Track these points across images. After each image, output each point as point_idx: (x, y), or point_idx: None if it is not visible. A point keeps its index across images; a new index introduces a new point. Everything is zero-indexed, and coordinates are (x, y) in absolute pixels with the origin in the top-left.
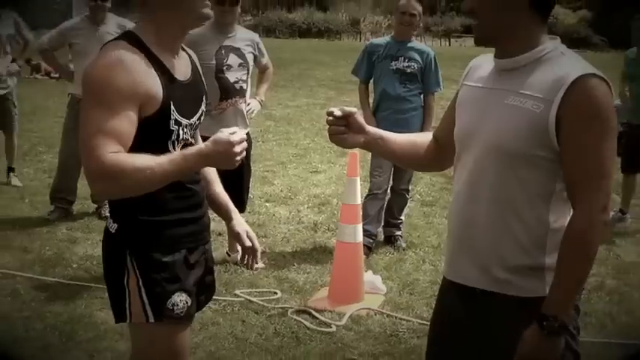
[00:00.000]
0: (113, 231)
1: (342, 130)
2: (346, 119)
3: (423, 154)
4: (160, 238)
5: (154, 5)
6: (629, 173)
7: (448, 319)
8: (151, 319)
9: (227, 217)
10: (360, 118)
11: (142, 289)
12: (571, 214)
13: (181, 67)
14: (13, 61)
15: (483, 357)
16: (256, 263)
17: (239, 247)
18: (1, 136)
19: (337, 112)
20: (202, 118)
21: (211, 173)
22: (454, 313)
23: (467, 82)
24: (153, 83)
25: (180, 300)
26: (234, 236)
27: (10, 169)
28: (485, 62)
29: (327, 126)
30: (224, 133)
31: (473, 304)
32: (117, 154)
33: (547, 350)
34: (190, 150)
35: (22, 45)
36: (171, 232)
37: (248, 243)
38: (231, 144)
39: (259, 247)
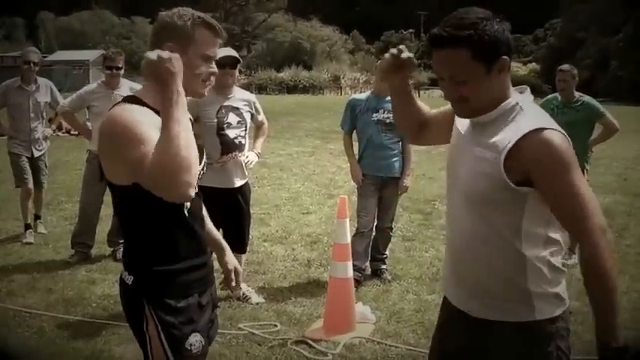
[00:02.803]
0: (130, 283)
1: (394, 66)
2: (403, 62)
3: (417, 123)
4: (174, 285)
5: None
6: None
7: (450, 345)
8: None
9: (220, 253)
10: (410, 64)
11: (162, 334)
12: (545, 243)
13: None
14: (48, 122)
15: None
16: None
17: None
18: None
19: (405, 54)
20: (205, 170)
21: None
22: (456, 340)
23: (456, 120)
24: (160, 121)
25: (196, 340)
26: (226, 272)
27: (37, 217)
28: None
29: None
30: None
31: (474, 330)
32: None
33: None
34: (163, 104)
35: (55, 109)
36: (184, 279)
37: (233, 283)
38: (163, 60)
39: (240, 283)
